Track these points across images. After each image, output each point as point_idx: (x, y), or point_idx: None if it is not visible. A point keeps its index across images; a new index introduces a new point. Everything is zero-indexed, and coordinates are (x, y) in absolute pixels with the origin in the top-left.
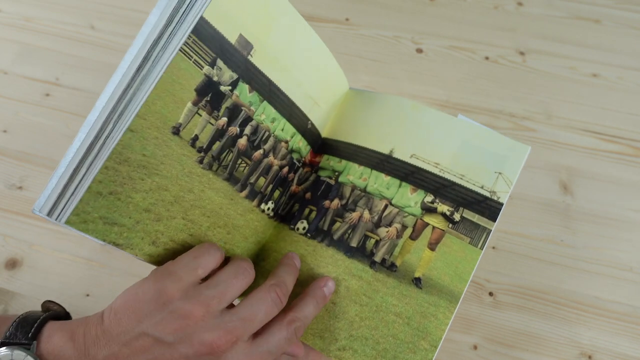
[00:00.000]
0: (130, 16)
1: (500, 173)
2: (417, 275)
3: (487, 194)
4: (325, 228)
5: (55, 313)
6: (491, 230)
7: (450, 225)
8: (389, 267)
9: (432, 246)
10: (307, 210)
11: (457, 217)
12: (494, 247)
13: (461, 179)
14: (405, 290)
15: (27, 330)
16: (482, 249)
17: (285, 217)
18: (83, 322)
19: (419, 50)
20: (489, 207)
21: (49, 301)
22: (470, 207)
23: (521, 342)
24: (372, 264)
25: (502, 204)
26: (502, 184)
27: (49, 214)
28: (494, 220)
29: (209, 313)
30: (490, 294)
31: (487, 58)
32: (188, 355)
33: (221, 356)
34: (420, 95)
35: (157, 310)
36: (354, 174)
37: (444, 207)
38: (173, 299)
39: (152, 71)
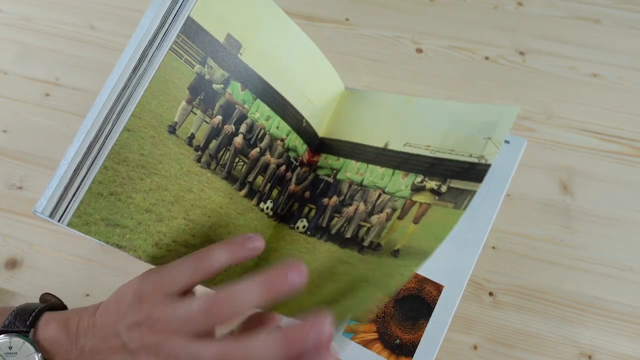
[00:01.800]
0: (130, 16)
1: (488, 138)
2: (397, 247)
3: (476, 161)
4: (325, 225)
5: (52, 304)
6: (475, 192)
7: (437, 198)
8: (374, 248)
9: (417, 220)
10: (306, 209)
11: (443, 189)
12: (493, 247)
13: (450, 153)
14: (383, 262)
15: (25, 318)
16: (464, 210)
17: (284, 216)
18: (79, 312)
19: (419, 50)
20: (476, 172)
21: (47, 293)
22: (457, 177)
23: (521, 342)
24: (361, 249)
25: (489, 165)
26: (491, 147)
27: (51, 215)
28: (480, 181)
29: (181, 331)
30: (490, 293)
31: (487, 58)
32: None
33: None
34: (420, 95)
35: (134, 312)
36: (351, 170)
37: (432, 184)
38: (150, 304)
39: (148, 70)
